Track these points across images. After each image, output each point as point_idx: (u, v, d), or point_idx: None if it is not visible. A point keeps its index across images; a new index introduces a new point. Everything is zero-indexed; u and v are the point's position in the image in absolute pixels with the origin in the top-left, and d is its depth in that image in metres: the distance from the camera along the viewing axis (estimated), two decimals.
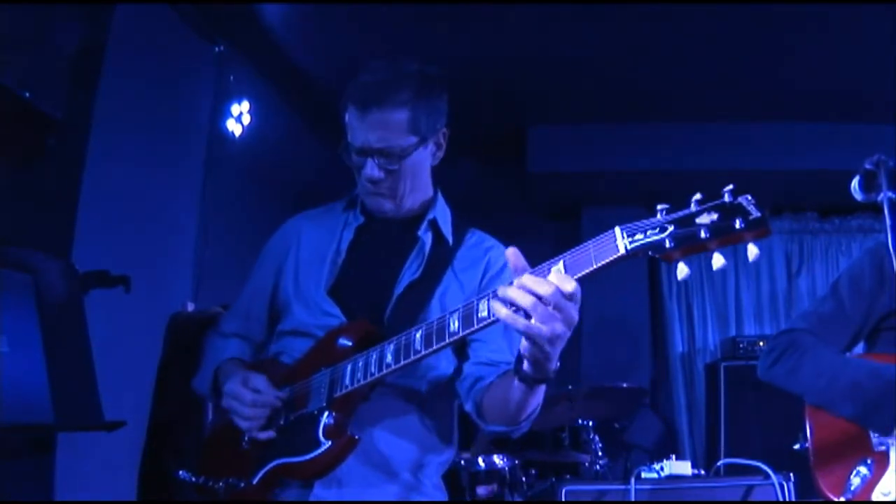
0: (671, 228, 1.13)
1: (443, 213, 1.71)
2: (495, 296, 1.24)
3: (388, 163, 1.56)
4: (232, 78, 3.94)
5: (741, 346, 4.95)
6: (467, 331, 1.29)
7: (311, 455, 1.44)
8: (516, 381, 1.35)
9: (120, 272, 2.68)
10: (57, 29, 2.56)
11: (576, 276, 1.19)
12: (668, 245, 1.13)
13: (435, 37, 4.11)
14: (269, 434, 1.52)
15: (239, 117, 4.00)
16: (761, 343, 4.87)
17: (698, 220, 1.12)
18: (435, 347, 1.32)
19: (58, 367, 2.06)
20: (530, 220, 5.88)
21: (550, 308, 1.18)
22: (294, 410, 1.53)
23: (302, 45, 4.18)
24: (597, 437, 3.78)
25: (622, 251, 1.15)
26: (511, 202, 5.71)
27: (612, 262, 1.16)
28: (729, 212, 1.12)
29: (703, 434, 5.27)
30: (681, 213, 1.14)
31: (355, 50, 4.11)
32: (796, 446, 2.16)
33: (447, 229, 1.69)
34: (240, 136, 4.01)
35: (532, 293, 1.18)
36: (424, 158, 1.63)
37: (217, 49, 3.86)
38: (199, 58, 3.79)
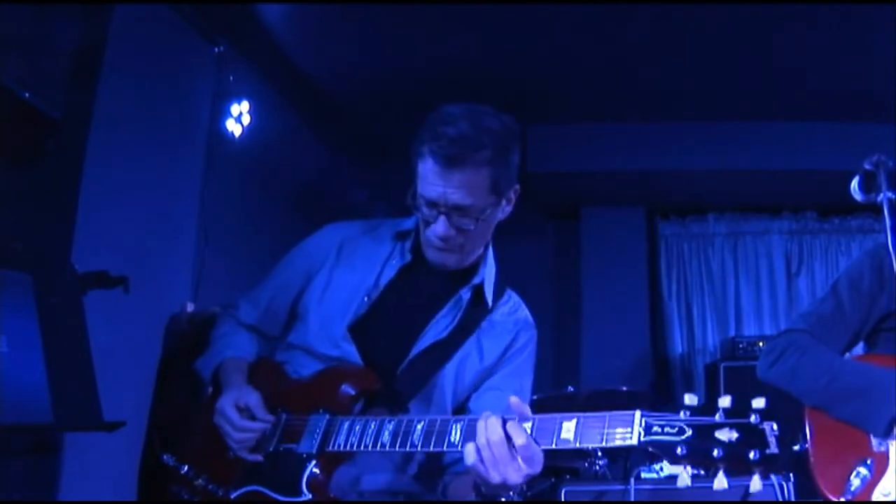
0: (688, 433, 1.13)
1: (490, 274, 1.65)
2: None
3: (464, 223, 1.50)
4: (232, 78, 3.94)
5: (741, 346, 4.95)
6: (468, 443, 1.28)
7: (289, 500, 1.44)
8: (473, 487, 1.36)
9: (120, 272, 2.68)
10: (56, 29, 2.56)
11: (582, 446, 1.19)
12: (678, 452, 1.12)
13: (435, 37, 4.11)
14: (257, 457, 1.50)
15: (239, 117, 4.00)
16: (761, 343, 4.86)
17: (717, 435, 1.11)
18: (431, 449, 1.32)
19: (57, 367, 2.06)
20: (529, 220, 5.86)
21: (498, 457, 1.21)
22: (285, 442, 1.51)
23: (302, 44, 4.17)
24: None
25: (633, 441, 1.15)
26: None
27: (618, 446, 1.17)
28: (749, 436, 1.11)
29: None
30: (704, 421, 1.13)
31: (355, 50, 4.12)
32: (796, 447, 2.16)
33: (489, 293, 1.63)
34: (240, 136, 4.01)
35: (486, 440, 1.21)
36: (496, 216, 1.58)
37: (217, 49, 3.85)
38: (199, 58, 3.79)
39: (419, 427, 1.33)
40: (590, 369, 5.44)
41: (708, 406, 1.13)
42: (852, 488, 1.69)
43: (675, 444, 1.12)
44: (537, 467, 1.24)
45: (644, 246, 5.85)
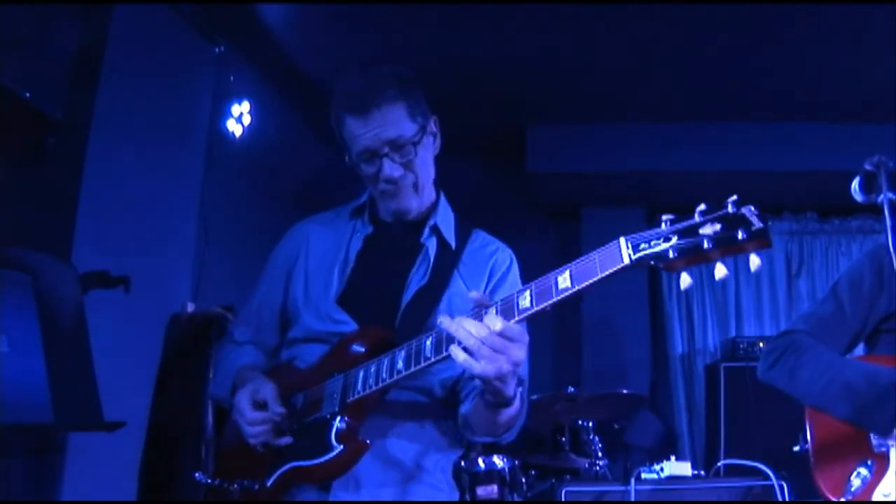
0: (675, 239, 1.16)
1: (445, 217, 1.73)
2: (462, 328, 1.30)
3: (403, 155, 1.59)
4: (232, 78, 3.94)
5: (741, 346, 4.94)
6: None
7: (324, 459, 1.47)
8: (483, 404, 1.42)
9: (120, 272, 2.68)
10: (57, 29, 2.56)
11: (582, 285, 1.22)
12: (671, 255, 1.16)
13: (435, 37, 4.11)
14: (286, 440, 1.53)
15: (239, 117, 4.00)
16: (761, 344, 4.86)
17: (702, 231, 1.15)
18: (444, 354, 1.35)
19: (57, 367, 2.06)
20: (530, 219, 5.87)
21: (490, 349, 1.26)
22: (308, 415, 1.55)
23: (302, 45, 4.18)
24: (597, 438, 3.78)
25: (626, 261, 1.18)
26: (510, 202, 5.70)
27: (616, 271, 1.19)
28: (732, 222, 1.14)
29: (702, 435, 5.27)
30: (684, 224, 1.17)
31: (355, 50, 4.12)
32: (796, 447, 2.17)
33: (449, 233, 1.70)
34: (240, 136, 4.01)
35: (472, 336, 1.27)
36: (429, 147, 1.67)
37: (217, 49, 3.85)
38: (199, 58, 3.79)
39: (428, 342, 1.38)
40: (590, 369, 5.44)
41: (685, 215, 1.18)
42: (852, 489, 1.69)
43: (666, 250, 1.16)
44: (522, 346, 1.30)
45: None
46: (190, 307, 3.31)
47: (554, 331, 5.69)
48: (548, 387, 4.48)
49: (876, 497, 1.67)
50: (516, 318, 1.29)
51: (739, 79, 4.52)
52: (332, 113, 1.63)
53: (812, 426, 1.85)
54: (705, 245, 1.14)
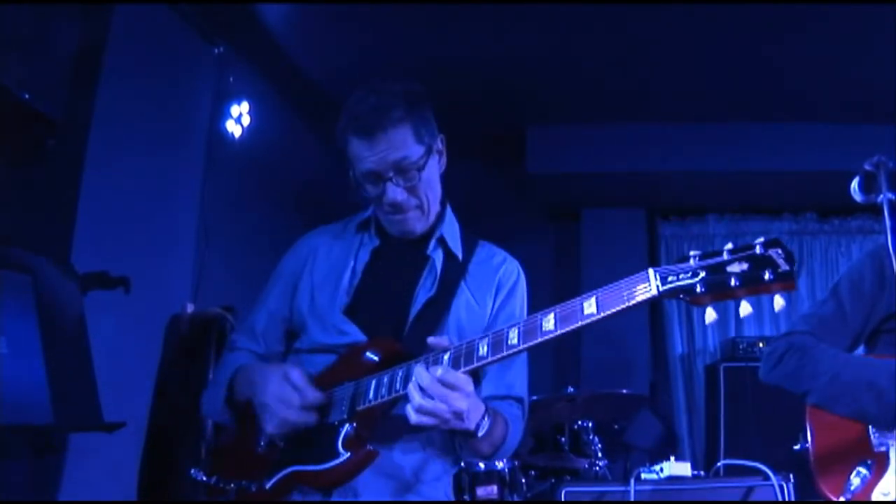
0: (703, 274, 1.20)
1: (450, 229, 1.72)
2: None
3: (408, 179, 1.58)
4: (232, 79, 3.95)
5: (741, 347, 4.95)
6: (496, 356, 1.35)
7: (329, 465, 1.46)
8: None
9: (120, 273, 2.68)
10: (56, 29, 2.56)
11: (607, 313, 1.24)
12: (698, 290, 1.20)
13: (434, 37, 4.11)
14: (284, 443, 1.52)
15: (239, 118, 4.00)
16: (761, 344, 4.87)
17: (729, 269, 1.19)
18: (463, 370, 1.36)
19: (57, 367, 2.06)
20: (530, 221, 5.87)
21: (432, 399, 1.32)
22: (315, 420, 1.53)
23: (302, 45, 4.18)
24: (596, 439, 3.78)
25: (654, 292, 1.21)
26: (510, 203, 5.71)
27: (643, 302, 1.22)
28: (759, 263, 1.18)
29: (702, 435, 5.27)
30: (713, 261, 1.21)
31: (355, 50, 4.12)
32: (796, 447, 2.17)
33: (455, 245, 1.70)
34: (239, 136, 4.02)
35: (418, 385, 1.33)
36: (434, 167, 1.65)
37: (217, 50, 3.86)
38: (199, 58, 3.79)
39: (446, 357, 1.39)
40: (590, 370, 5.44)
41: (713, 252, 1.21)
42: (852, 488, 1.69)
43: (693, 284, 1.19)
44: (463, 396, 1.34)
45: (644, 247, 5.85)
46: (189, 308, 3.31)
47: None
48: (548, 387, 4.48)
49: (875, 496, 1.67)
50: (536, 342, 1.31)
51: (739, 80, 4.52)
52: (338, 129, 1.62)
53: (812, 426, 1.85)
54: (732, 283, 1.18)
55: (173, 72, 3.52)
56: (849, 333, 1.93)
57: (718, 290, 1.19)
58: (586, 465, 3.68)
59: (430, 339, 1.42)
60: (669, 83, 4.61)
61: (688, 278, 1.20)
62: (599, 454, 3.71)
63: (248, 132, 4.04)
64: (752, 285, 1.17)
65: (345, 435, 1.47)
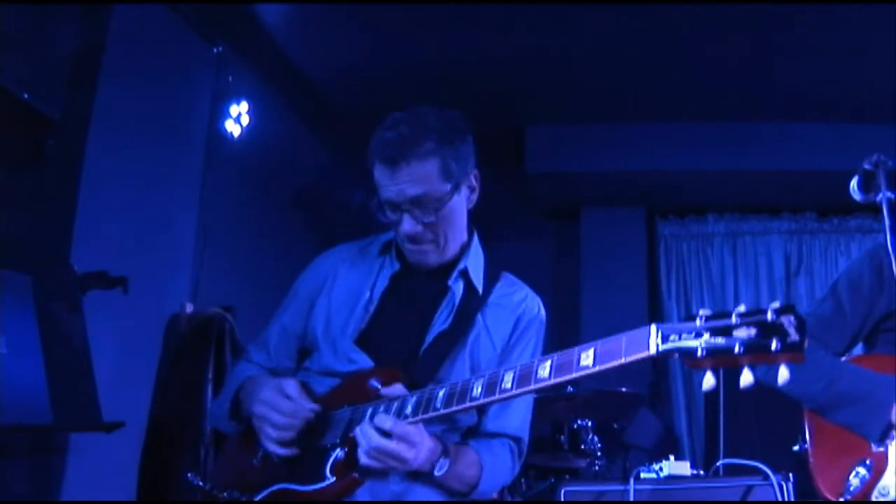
0: (706, 336, 1.13)
1: (475, 260, 1.68)
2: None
3: (425, 215, 1.54)
4: (231, 79, 3.94)
5: None
6: (489, 399, 1.34)
7: (313, 487, 1.46)
8: None
9: (119, 273, 2.68)
10: (56, 29, 2.56)
11: (603, 367, 1.21)
12: (699, 353, 1.13)
13: (434, 38, 4.11)
14: (293, 451, 1.51)
15: (238, 118, 4.00)
16: None
17: (735, 333, 1.11)
18: (455, 408, 1.36)
19: (56, 367, 2.06)
20: (529, 220, 5.86)
21: (375, 451, 1.36)
22: (309, 440, 1.53)
23: (301, 45, 4.17)
24: (596, 438, 3.77)
25: (652, 351, 1.16)
26: (510, 203, 5.70)
27: (640, 359, 1.18)
28: (768, 330, 1.10)
29: (702, 434, 5.27)
30: (720, 323, 1.13)
31: (354, 50, 4.12)
32: (795, 447, 2.16)
33: (478, 277, 1.66)
34: (239, 136, 4.01)
35: (363, 437, 1.37)
36: (460, 204, 1.61)
37: (216, 50, 3.86)
38: (198, 58, 3.79)
39: (440, 394, 1.39)
40: None
41: (723, 313, 1.14)
42: (851, 488, 1.69)
43: (695, 348, 1.12)
44: (411, 447, 1.37)
45: (644, 246, 5.85)
46: (189, 308, 3.31)
47: (554, 331, 5.67)
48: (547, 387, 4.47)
49: (874, 496, 1.67)
50: (529, 388, 1.30)
51: (739, 79, 4.52)
52: (369, 149, 1.58)
53: (811, 426, 1.85)
54: (736, 349, 1.10)
55: (172, 72, 3.52)
56: (848, 332, 1.92)
57: (720, 356, 1.11)
58: (585, 465, 3.68)
59: (383, 391, 1.45)
60: (669, 83, 4.61)
61: (690, 339, 1.13)
62: (599, 453, 3.71)
63: (247, 132, 4.03)
64: (758, 353, 1.09)
65: (334, 459, 1.46)
